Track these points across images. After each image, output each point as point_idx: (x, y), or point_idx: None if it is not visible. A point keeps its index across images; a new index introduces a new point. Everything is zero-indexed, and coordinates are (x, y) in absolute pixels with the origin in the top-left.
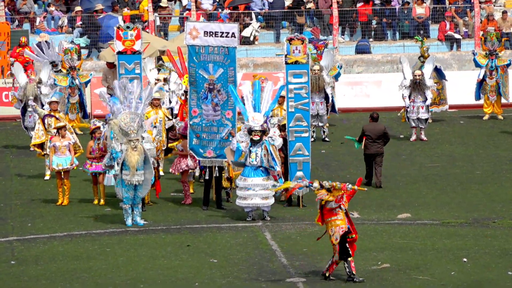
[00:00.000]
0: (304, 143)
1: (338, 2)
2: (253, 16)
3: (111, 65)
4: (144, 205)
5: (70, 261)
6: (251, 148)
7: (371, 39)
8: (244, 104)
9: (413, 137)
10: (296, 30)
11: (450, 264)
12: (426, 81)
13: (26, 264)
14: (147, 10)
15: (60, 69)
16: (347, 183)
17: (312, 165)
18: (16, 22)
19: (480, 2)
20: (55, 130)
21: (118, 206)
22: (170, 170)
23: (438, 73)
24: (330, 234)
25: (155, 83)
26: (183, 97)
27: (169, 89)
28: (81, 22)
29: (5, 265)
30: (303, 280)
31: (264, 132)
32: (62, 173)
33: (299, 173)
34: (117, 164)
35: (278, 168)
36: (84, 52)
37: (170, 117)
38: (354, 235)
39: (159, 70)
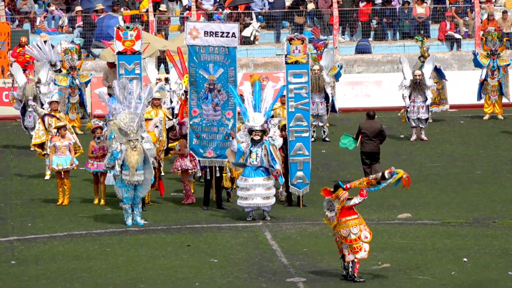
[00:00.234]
0: (305, 143)
1: (338, 2)
2: (254, 16)
3: (112, 65)
4: (144, 205)
5: (70, 261)
6: (251, 148)
7: (371, 39)
8: (244, 104)
9: (413, 137)
10: (296, 30)
11: (451, 264)
12: (426, 81)
13: (26, 264)
14: (145, 12)
15: (59, 69)
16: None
17: (313, 165)
18: (17, 22)
19: (480, 2)
20: (56, 130)
21: (118, 206)
22: (172, 170)
23: (438, 73)
24: (343, 235)
25: (156, 83)
26: (183, 97)
27: (170, 89)
28: (81, 22)
29: (5, 265)
30: (303, 280)
31: (264, 132)
32: (62, 173)
33: (299, 173)
34: (117, 164)
35: (277, 167)
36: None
37: (171, 117)
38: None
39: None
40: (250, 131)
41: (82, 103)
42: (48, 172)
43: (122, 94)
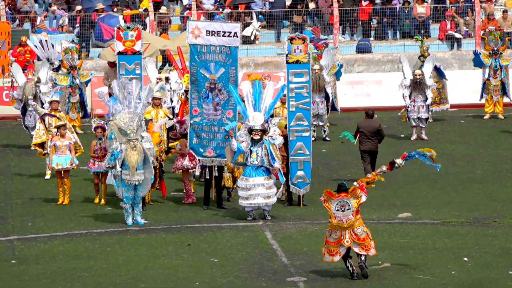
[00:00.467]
0: (305, 142)
1: (338, 1)
2: (254, 15)
3: (112, 64)
4: (144, 205)
5: (71, 260)
6: (251, 148)
7: (371, 39)
8: (244, 103)
9: (414, 137)
10: (296, 30)
11: (451, 264)
12: (426, 81)
13: (27, 263)
14: (143, 11)
15: (57, 67)
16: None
17: (313, 164)
18: (17, 22)
19: (480, 2)
20: (56, 130)
21: (118, 205)
22: (173, 170)
23: (438, 72)
24: (358, 233)
25: (157, 82)
26: (183, 97)
27: (171, 88)
28: (78, 25)
29: (5, 264)
30: (304, 279)
31: (264, 131)
32: (62, 172)
33: (300, 173)
34: (118, 164)
35: (277, 165)
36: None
37: (171, 117)
38: None
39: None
40: (250, 131)
41: (82, 103)
42: (48, 172)
43: (122, 93)
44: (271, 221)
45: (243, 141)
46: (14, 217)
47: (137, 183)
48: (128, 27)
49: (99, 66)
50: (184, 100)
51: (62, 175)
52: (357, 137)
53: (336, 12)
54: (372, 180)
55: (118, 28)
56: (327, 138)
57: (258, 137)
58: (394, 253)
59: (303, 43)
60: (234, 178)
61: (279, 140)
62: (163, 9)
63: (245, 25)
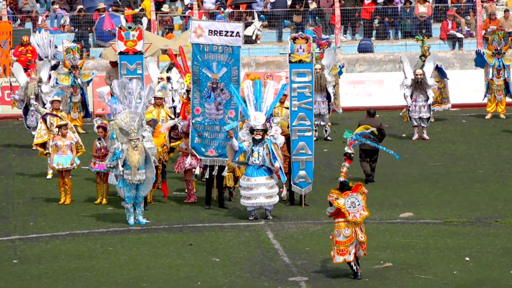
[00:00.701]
0: (307, 142)
1: (340, 1)
2: (255, 15)
3: (114, 64)
4: (146, 204)
5: (73, 260)
6: (253, 147)
7: (373, 38)
8: (245, 103)
9: (415, 136)
10: (298, 29)
11: (453, 263)
12: (428, 80)
13: (29, 263)
14: (139, 11)
15: (55, 65)
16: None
17: (315, 164)
18: (18, 21)
19: (482, 1)
20: (57, 129)
21: (120, 205)
22: (174, 168)
23: (440, 71)
24: (363, 230)
25: (158, 82)
26: (185, 96)
27: (172, 88)
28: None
29: (7, 264)
30: (306, 279)
31: (265, 131)
32: (63, 172)
33: (302, 172)
34: (119, 163)
35: (277, 164)
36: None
37: (173, 116)
38: None
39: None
40: (252, 130)
41: (84, 102)
42: (50, 171)
43: (122, 93)
44: (273, 221)
45: (244, 141)
46: (16, 217)
47: (138, 182)
48: (130, 27)
49: (101, 66)
50: (186, 99)
51: (63, 175)
52: None
53: (337, 11)
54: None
55: (120, 28)
56: (329, 138)
57: (260, 136)
58: (395, 253)
59: (306, 42)
60: (235, 178)
61: (281, 140)
62: (165, 8)
63: (247, 25)
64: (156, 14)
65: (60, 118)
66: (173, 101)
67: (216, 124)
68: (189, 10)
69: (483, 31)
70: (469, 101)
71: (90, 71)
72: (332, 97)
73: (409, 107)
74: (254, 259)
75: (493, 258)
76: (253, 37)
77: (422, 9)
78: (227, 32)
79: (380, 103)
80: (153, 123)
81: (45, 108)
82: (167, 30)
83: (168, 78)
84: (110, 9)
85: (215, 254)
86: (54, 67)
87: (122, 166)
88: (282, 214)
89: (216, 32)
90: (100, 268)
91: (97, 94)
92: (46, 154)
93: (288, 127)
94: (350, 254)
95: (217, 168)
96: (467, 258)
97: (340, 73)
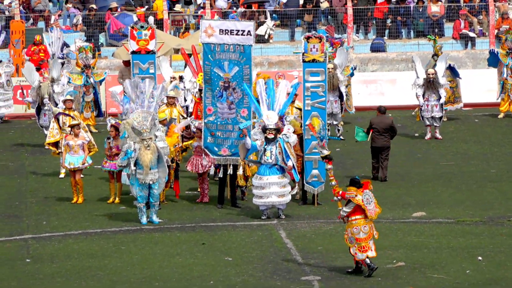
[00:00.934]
0: None
1: (352, 0)
2: (268, 14)
3: (127, 63)
4: (159, 204)
5: (85, 259)
6: (265, 147)
7: (385, 38)
8: (258, 102)
9: (428, 136)
10: (310, 29)
11: (465, 263)
12: (440, 79)
13: (41, 262)
14: (144, 10)
15: (63, 62)
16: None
17: None
18: (31, 20)
19: (494, 1)
20: (69, 129)
21: (133, 204)
22: (186, 167)
23: (452, 71)
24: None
25: (171, 81)
26: (197, 96)
27: (184, 87)
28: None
29: (20, 263)
30: (318, 278)
31: (278, 130)
32: (75, 171)
33: (315, 171)
34: (131, 162)
35: (290, 163)
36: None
37: (185, 116)
38: None
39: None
40: (264, 129)
41: (96, 102)
42: (63, 170)
43: (134, 93)
44: (286, 220)
45: (257, 139)
46: (29, 216)
47: (151, 182)
48: (142, 26)
49: (113, 65)
50: (198, 99)
51: (75, 174)
52: (370, 133)
53: (350, 11)
54: (336, 182)
55: (132, 27)
56: (341, 137)
57: (272, 136)
58: (408, 252)
59: (320, 42)
60: (245, 177)
61: (293, 138)
62: (177, 7)
63: (259, 24)
64: (168, 13)
65: (72, 117)
66: (185, 100)
67: (229, 123)
68: (202, 10)
69: (496, 31)
70: (482, 100)
71: (102, 70)
72: (345, 97)
73: (421, 106)
74: (267, 258)
75: (506, 257)
76: (266, 37)
77: (435, 9)
78: (238, 31)
79: (393, 103)
80: (168, 122)
81: (58, 107)
82: (183, 29)
83: (181, 78)
84: (119, 9)
85: (227, 253)
86: (61, 65)
87: (134, 166)
88: (295, 213)
89: (227, 31)
90: (113, 267)
91: (109, 94)
92: (59, 153)
93: (300, 126)
94: (372, 250)
95: (231, 167)
96: (480, 258)
97: (351, 74)
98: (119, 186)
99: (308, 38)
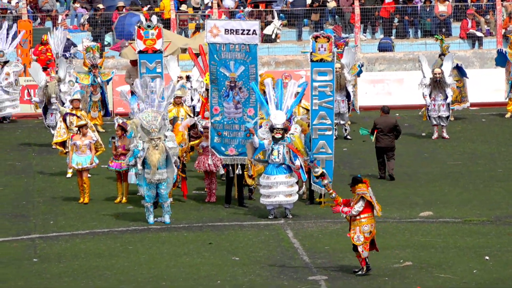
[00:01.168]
0: (328, 141)
1: (359, 0)
2: (275, 14)
3: (135, 63)
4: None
5: (92, 258)
6: (273, 146)
7: (392, 37)
8: (266, 102)
9: (435, 135)
10: (317, 28)
11: (472, 262)
12: (446, 79)
13: (49, 262)
14: (147, 9)
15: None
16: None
17: (334, 163)
18: (38, 20)
19: (502, 0)
20: (77, 129)
21: (140, 204)
22: (195, 167)
23: (459, 71)
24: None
25: (177, 81)
26: (204, 95)
27: (191, 87)
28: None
29: (27, 263)
30: (325, 278)
31: (286, 130)
32: (82, 171)
33: None
34: (138, 162)
35: (298, 162)
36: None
37: (192, 115)
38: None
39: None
40: (272, 129)
41: (103, 101)
42: (70, 170)
43: (144, 92)
44: (293, 220)
45: (264, 139)
46: (36, 216)
47: (158, 182)
48: (149, 26)
49: (121, 65)
50: (205, 99)
51: (82, 174)
52: (375, 133)
53: (357, 10)
54: (336, 194)
55: (139, 26)
56: (348, 137)
57: (280, 135)
58: (415, 252)
59: (328, 41)
60: (250, 177)
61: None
62: (183, 7)
63: (266, 24)
64: (176, 13)
65: (79, 117)
66: (191, 100)
67: (235, 122)
68: (209, 9)
69: (503, 30)
70: (489, 100)
71: (110, 70)
72: (352, 96)
73: (428, 106)
74: (274, 258)
75: None
76: (273, 36)
77: (442, 8)
78: (244, 30)
79: (400, 102)
80: (173, 120)
81: (65, 107)
82: (193, 29)
83: (188, 77)
84: (124, 10)
85: (234, 253)
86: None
87: (142, 165)
88: (302, 213)
89: (232, 30)
90: (120, 267)
91: (118, 93)
92: (66, 153)
93: (307, 126)
94: (367, 250)
95: (238, 166)
96: (487, 257)
97: (359, 73)
98: (126, 186)
99: (316, 37)
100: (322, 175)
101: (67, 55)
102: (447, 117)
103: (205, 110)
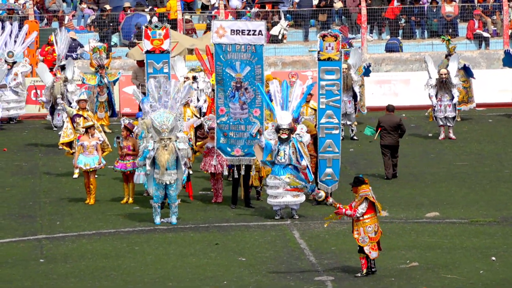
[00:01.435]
0: (335, 140)
1: (366, 1)
2: (282, 14)
3: (141, 64)
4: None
5: (99, 259)
6: (279, 146)
7: (399, 37)
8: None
9: (442, 136)
10: (324, 29)
11: (479, 263)
12: (452, 79)
13: (55, 262)
14: (147, 9)
15: (63, 65)
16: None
17: (341, 163)
18: (45, 21)
19: (508, 1)
20: (84, 129)
21: (146, 204)
22: (200, 168)
23: (466, 71)
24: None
25: (184, 82)
26: (211, 96)
27: (198, 87)
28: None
29: (34, 263)
30: (332, 278)
31: (291, 130)
32: (89, 172)
33: (329, 170)
34: (147, 162)
35: (304, 162)
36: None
37: (198, 116)
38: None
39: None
40: (278, 130)
41: (110, 102)
42: (76, 171)
43: (158, 92)
44: (299, 220)
45: (271, 139)
46: (43, 216)
47: (167, 182)
48: (156, 26)
49: (127, 65)
50: (212, 99)
51: (89, 175)
52: (378, 131)
53: (363, 11)
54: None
55: (146, 26)
56: (355, 137)
57: (286, 136)
58: (422, 252)
59: (335, 40)
60: (260, 178)
61: (307, 138)
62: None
63: (273, 24)
64: (183, 14)
65: (85, 118)
66: (198, 100)
67: (241, 123)
68: (216, 10)
69: (510, 31)
70: (496, 100)
71: (116, 70)
72: (359, 97)
73: (435, 107)
74: (280, 258)
75: None
76: (280, 37)
77: (449, 9)
78: (250, 30)
79: (407, 103)
80: None
81: (71, 107)
82: (206, 29)
83: (194, 78)
84: (129, 11)
85: (241, 253)
86: (62, 67)
87: (153, 165)
88: (308, 214)
89: (238, 31)
90: (127, 267)
91: (125, 93)
92: (72, 153)
93: (314, 126)
94: (375, 250)
95: (243, 167)
96: (493, 258)
97: (366, 73)
98: (132, 187)
99: (323, 36)
100: (326, 197)
101: (74, 55)
102: (454, 118)
103: (211, 111)
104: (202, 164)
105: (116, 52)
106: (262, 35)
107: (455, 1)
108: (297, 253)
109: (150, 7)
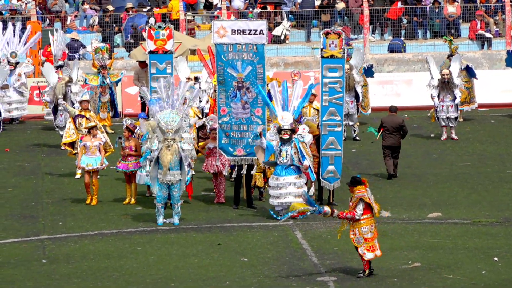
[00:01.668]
0: (337, 137)
1: (368, 1)
2: (284, 15)
3: (143, 65)
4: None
5: (101, 259)
6: (281, 147)
7: (402, 38)
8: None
9: (444, 136)
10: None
11: (481, 263)
12: (454, 80)
13: (58, 263)
14: (146, 12)
15: (60, 65)
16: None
17: (343, 163)
18: (47, 21)
19: (511, 1)
20: (86, 130)
21: (149, 205)
22: (203, 168)
23: (469, 72)
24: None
25: (186, 82)
26: (213, 96)
27: (200, 88)
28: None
29: (36, 264)
30: (334, 279)
31: (293, 130)
32: (91, 172)
33: (331, 167)
34: (147, 162)
35: (306, 162)
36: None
37: (200, 116)
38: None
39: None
40: (279, 130)
41: (112, 102)
42: (78, 171)
43: (166, 92)
44: (301, 221)
45: (273, 140)
46: (45, 217)
47: (170, 183)
48: (159, 26)
49: (130, 66)
50: (214, 100)
51: (91, 175)
52: (380, 132)
53: (366, 11)
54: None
55: (149, 27)
56: (357, 138)
57: (287, 136)
58: (424, 253)
59: (338, 38)
60: (266, 179)
61: (309, 138)
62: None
63: (275, 25)
64: (185, 14)
65: (88, 119)
66: (200, 101)
67: (243, 123)
68: (218, 10)
69: None
70: (498, 101)
71: (119, 71)
72: (361, 98)
73: (437, 107)
74: (283, 259)
75: None
76: (282, 37)
77: (451, 9)
78: (251, 30)
79: (409, 103)
80: None
81: (74, 107)
82: (186, 32)
83: (196, 78)
84: (131, 12)
85: (243, 254)
86: (58, 67)
87: (156, 165)
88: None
89: (239, 31)
90: (129, 268)
91: (128, 93)
92: (75, 154)
93: (316, 127)
94: (378, 249)
95: (245, 167)
96: (496, 258)
97: (369, 74)
98: (134, 187)
99: (327, 33)
100: (332, 210)
101: (76, 56)
102: (456, 118)
103: (213, 111)
104: (204, 164)
105: (118, 53)
106: (263, 34)
107: (457, 2)
108: (299, 253)
109: (148, 7)
